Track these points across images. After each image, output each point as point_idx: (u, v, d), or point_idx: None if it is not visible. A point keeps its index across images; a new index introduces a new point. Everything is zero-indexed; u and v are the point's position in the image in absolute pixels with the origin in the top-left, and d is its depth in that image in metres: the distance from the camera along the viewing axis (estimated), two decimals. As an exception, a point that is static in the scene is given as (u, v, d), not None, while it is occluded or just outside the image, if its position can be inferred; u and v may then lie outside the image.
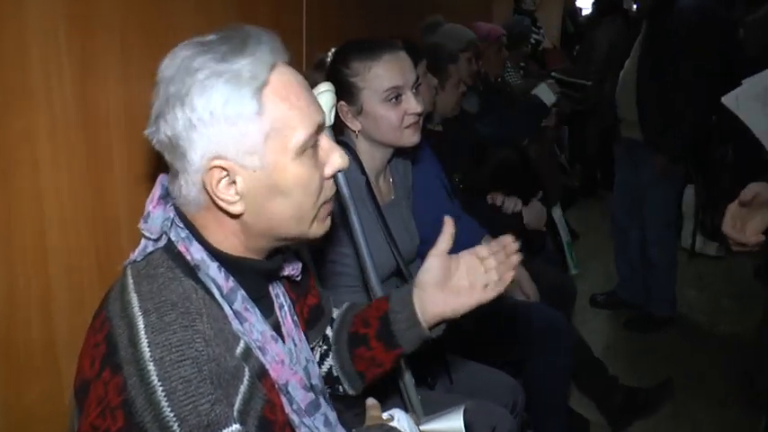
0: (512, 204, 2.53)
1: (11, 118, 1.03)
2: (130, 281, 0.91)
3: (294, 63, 1.80)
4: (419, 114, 1.65)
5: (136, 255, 0.93)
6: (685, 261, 4.17)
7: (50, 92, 1.10)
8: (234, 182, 0.89)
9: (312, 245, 1.55)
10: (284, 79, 0.90)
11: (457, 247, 2.07)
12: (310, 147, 0.93)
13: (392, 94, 1.61)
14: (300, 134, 0.90)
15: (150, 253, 0.93)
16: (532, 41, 4.98)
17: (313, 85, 1.42)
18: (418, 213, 1.93)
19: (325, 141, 0.97)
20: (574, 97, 4.40)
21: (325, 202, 0.98)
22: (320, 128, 0.95)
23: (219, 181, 0.88)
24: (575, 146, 5.39)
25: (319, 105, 0.95)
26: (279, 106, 0.89)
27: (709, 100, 2.88)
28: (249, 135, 0.87)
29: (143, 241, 0.94)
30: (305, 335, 1.13)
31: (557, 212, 3.28)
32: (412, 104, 1.62)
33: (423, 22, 3.06)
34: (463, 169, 2.54)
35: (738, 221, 1.26)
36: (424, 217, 1.93)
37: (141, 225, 0.93)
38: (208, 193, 0.89)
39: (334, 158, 0.97)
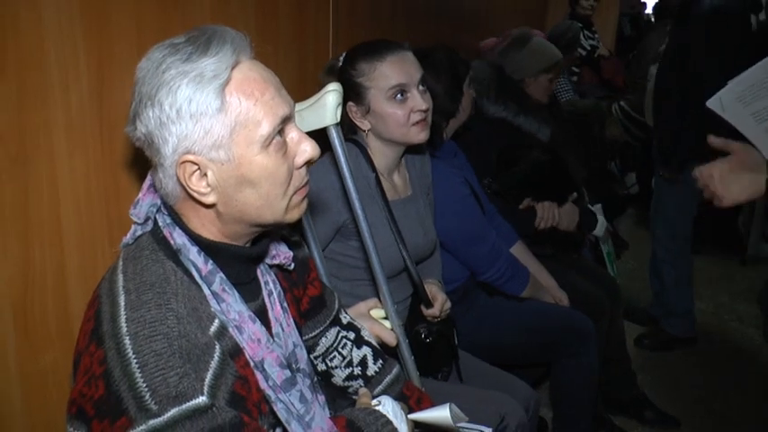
0: (549, 217, 2.54)
1: (30, 111, 1.12)
2: (120, 262, 1.00)
3: (319, 65, 1.86)
4: (425, 111, 1.68)
5: (127, 238, 1.02)
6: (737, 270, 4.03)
7: (67, 87, 1.19)
8: (205, 174, 0.95)
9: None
10: (247, 75, 0.96)
11: (489, 252, 2.11)
12: (277, 138, 0.98)
13: (397, 92, 1.65)
14: (265, 127, 0.95)
15: (139, 236, 1.02)
16: (588, 47, 4.91)
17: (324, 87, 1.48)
18: (440, 213, 1.96)
19: (295, 132, 1.02)
20: (634, 134, 4.31)
21: (296, 191, 1.03)
22: (286, 119, 0.99)
23: (192, 174, 0.95)
24: (628, 153, 5.28)
25: (286, 98, 1.00)
26: (242, 102, 0.94)
27: None
28: (214, 131, 0.93)
29: (132, 226, 1.01)
30: (296, 322, 1.18)
31: (600, 220, 3.24)
32: (418, 102, 1.66)
33: (511, 34, 3.03)
34: (492, 172, 2.55)
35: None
36: (443, 217, 1.96)
37: (131, 211, 1.02)
38: (182, 186, 0.96)
39: (304, 148, 1.02)
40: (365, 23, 2.42)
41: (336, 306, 1.38)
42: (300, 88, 1.82)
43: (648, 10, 6.39)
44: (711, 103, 1.04)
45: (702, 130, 2.84)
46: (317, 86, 1.65)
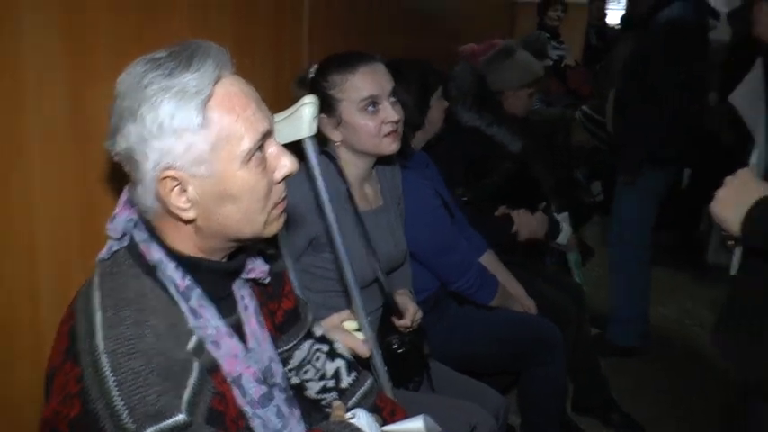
0: (526, 224, 2.59)
1: (2, 122, 1.10)
2: (96, 278, 0.99)
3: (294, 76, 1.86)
4: (396, 123, 1.71)
5: (103, 253, 1.01)
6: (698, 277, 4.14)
7: (42, 98, 1.17)
8: (185, 190, 0.95)
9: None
10: (229, 91, 0.96)
11: (458, 262, 2.15)
12: (258, 154, 0.98)
13: (369, 104, 1.67)
14: (246, 143, 0.96)
15: (116, 251, 1.01)
16: (555, 57, 4.99)
17: (296, 99, 1.49)
18: (410, 224, 1.98)
19: (275, 147, 1.02)
20: (600, 136, 4.38)
21: (275, 205, 1.03)
22: (267, 135, 1.00)
23: (172, 190, 0.95)
24: (594, 161, 5.35)
25: (266, 113, 1.01)
26: (224, 117, 0.94)
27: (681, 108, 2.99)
28: (196, 146, 0.93)
29: (108, 241, 1.01)
30: (272, 336, 1.19)
31: (565, 228, 3.29)
32: (389, 113, 1.68)
33: (497, 47, 3.03)
34: (464, 182, 2.58)
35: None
36: (414, 229, 1.98)
37: (107, 226, 1.02)
38: (162, 201, 0.96)
39: (284, 163, 1.02)
40: (340, 33, 2.43)
41: (310, 319, 1.39)
42: (276, 99, 1.82)
43: (611, 20, 6.50)
44: (732, 98, 1.09)
45: (659, 137, 2.98)
46: (292, 97, 1.66)
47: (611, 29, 6.20)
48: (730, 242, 1.09)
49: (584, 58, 5.98)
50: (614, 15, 6.56)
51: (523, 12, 5.72)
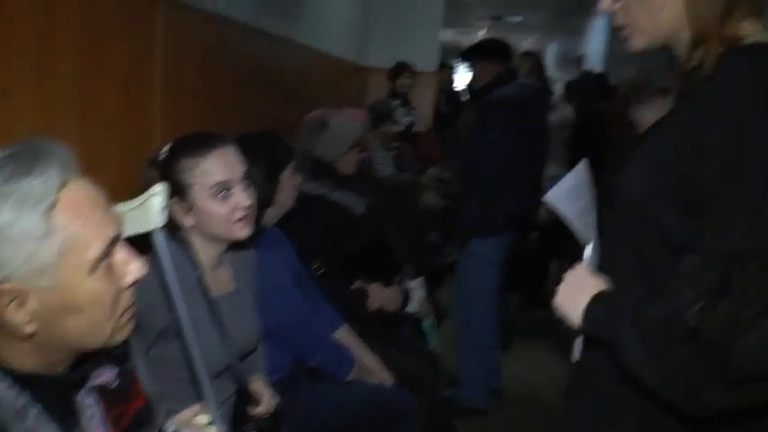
0: (380, 298, 2.64)
1: None
2: None
3: (145, 158, 1.81)
4: (248, 208, 1.70)
5: None
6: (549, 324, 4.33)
7: None
8: (24, 304, 0.89)
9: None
10: (75, 196, 0.92)
11: (313, 339, 2.15)
12: (105, 260, 0.94)
13: (220, 189, 1.65)
14: (93, 251, 0.92)
15: None
16: (406, 123, 5.17)
17: (148, 182, 1.45)
18: (262, 304, 1.96)
19: (123, 252, 0.99)
20: (450, 196, 4.58)
21: (123, 312, 0.99)
22: (115, 240, 0.97)
23: (8, 304, 0.88)
24: (447, 222, 5.55)
25: (114, 217, 0.97)
26: (70, 224, 0.90)
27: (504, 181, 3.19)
28: (39, 256, 0.87)
29: None
30: None
31: (418, 293, 3.37)
32: (241, 198, 1.67)
33: (306, 122, 3.08)
34: (319, 254, 2.60)
35: None
36: (267, 309, 1.97)
37: None
38: None
39: (133, 268, 0.99)
40: (194, 107, 2.41)
41: (162, 416, 1.33)
42: (126, 183, 1.76)
43: (460, 86, 6.83)
44: (549, 197, 1.16)
45: (485, 206, 3.16)
46: (144, 178, 1.63)
47: (461, 95, 6.52)
48: (572, 331, 1.15)
49: (434, 123, 6.23)
50: (463, 81, 6.93)
51: (375, 78, 5.90)
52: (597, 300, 1.04)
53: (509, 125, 3.21)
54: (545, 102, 3.92)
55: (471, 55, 3.44)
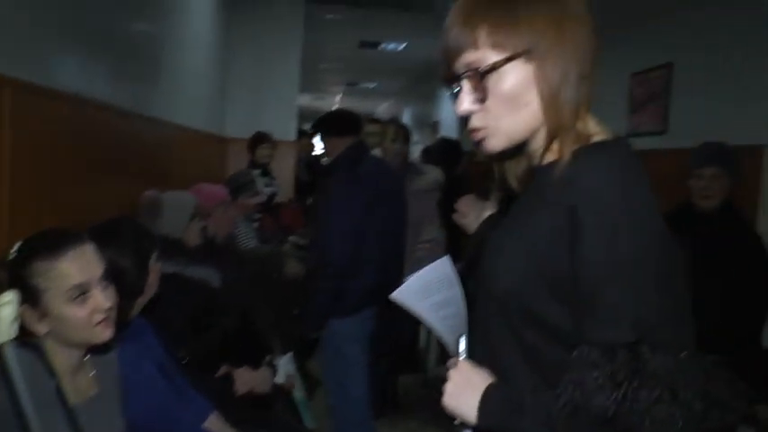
0: (247, 382, 2.56)
1: None
2: None
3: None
4: (109, 309, 1.60)
5: None
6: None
7: None
8: None
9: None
10: None
11: (182, 428, 2.05)
12: None
13: (78, 293, 1.54)
14: None
15: None
16: (267, 194, 5.13)
17: (-2, 285, 1.33)
18: (129, 399, 1.84)
19: None
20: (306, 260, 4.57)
21: None
22: None
23: None
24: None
25: None
26: None
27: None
28: None
29: None
30: None
31: (288, 368, 3.30)
32: (100, 301, 1.56)
33: (141, 206, 2.98)
34: (184, 338, 2.50)
35: None
36: (134, 405, 1.85)
37: None
38: None
39: None
40: (44, 196, 2.28)
41: None
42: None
43: (320, 155, 6.88)
44: (395, 296, 1.14)
45: (339, 285, 3.13)
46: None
47: (321, 162, 6.57)
48: (464, 429, 1.14)
49: (296, 192, 6.23)
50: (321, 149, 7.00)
51: (235, 148, 5.85)
52: (489, 394, 1.05)
53: (359, 199, 3.20)
54: (403, 171, 4.01)
55: (320, 129, 3.43)
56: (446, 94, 1.15)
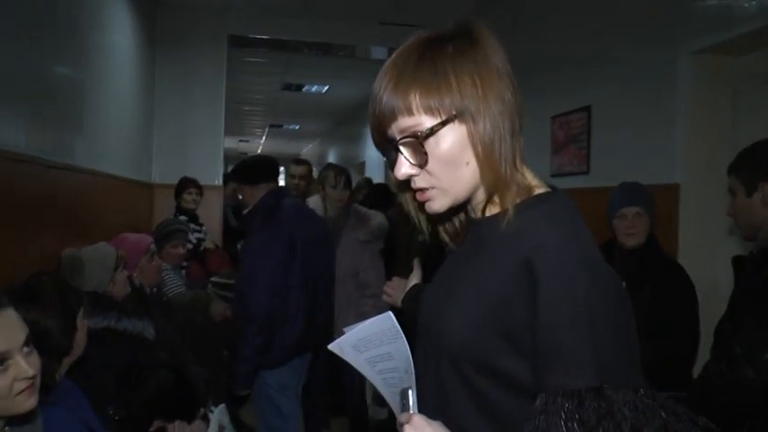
0: None
1: None
2: None
3: None
4: (33, 377, 1.52)
5: None
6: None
7: None
8: None
9: None
10: None
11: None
12: None
13: None
14: None
15: None
16: (194, 240, 5.02)
17: None
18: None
19: None
20: (230, 299, 4.48)
21: None
22: None
23: None
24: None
25: None
26: None
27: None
28: None
29: None
30: None
31: (222, 419, 3.21)
32: (22, 369, 1.49)
33: (61, 265, 2.85)
34: (115, 396, 2.40)
35: None
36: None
37: None
38: None
39: None
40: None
41: None
42: None
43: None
44: (333, 347, 1.13)
45: (265, 339, 3.06)
46: None
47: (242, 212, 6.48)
48: None
49: (224, 238, 6.12)
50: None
51: (161, 195, 5.73)
52: None
53: (280, 243, 3.18)
54: (345, 218, 3.99)
55: (235, 178, 3.37)
56: (382, 159, 1.15)
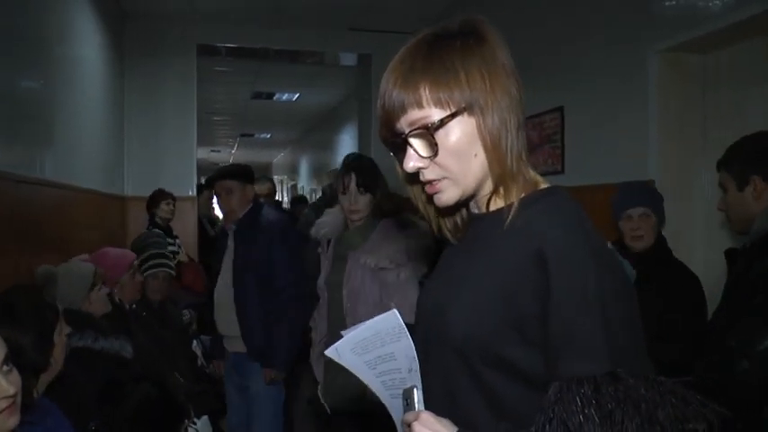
0: None
1: None
2: None
3: None
4: (13, 396, 1.51)
5: None
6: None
7: None
8: None
9: None
10: None
11: None
12: None
13: None
14: None
15: None
16: (168, 253, 4.95)
17: None
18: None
19: None
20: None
21: None
22: None
23: None
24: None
25: None
26: None
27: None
28: None
29: None
30: None
31: (205, 431, 3.18)
32: (3, 388, 1.48)
33: (36, 280, 2.79)
34: (99, 413, 2.36)
35: None
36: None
37: None
38: None
39: None
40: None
41: None
42: None
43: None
44: (329, 352, 1.13)
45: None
46: None
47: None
48: None
49: (200, 249, 6.05)
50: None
51: (134, 207, 5.66)
52: None
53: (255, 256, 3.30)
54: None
55: (237, 178, 3.40)
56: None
